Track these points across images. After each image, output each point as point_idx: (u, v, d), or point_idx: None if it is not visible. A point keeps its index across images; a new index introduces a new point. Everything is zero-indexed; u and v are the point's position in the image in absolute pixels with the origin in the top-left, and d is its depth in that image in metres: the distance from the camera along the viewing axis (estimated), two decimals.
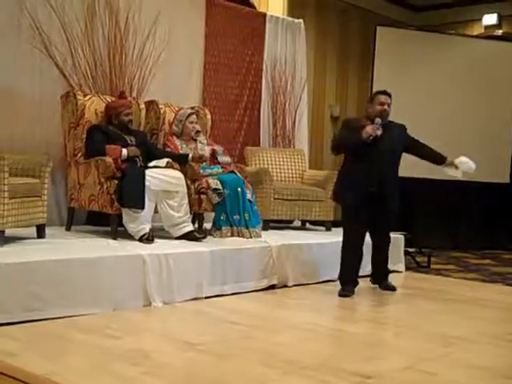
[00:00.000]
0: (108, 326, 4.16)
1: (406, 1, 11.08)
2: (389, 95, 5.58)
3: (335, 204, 6.78)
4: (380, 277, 5.86)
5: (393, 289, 5.84)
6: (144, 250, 4.96)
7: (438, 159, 5.81)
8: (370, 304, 5.38)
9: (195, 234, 5.58)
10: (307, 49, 8.69)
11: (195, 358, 3.61)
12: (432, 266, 7.63)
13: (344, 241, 5.64)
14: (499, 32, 10.65)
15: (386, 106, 5.52)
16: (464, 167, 5.70)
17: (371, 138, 5.33)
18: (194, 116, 6.45)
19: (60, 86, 6.08)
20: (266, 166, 7.32)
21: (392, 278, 6.05)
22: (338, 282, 5.69)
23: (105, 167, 5.42)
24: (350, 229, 5.56)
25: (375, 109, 5.53)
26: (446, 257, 8.70)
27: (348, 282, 5.62)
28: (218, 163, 6.31)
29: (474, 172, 5.75)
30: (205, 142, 6.48)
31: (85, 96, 5.97)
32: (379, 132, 5.38)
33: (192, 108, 6.62)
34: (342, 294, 5.55)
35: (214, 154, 6.32)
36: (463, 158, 5.73)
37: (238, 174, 6.17)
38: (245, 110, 7.96)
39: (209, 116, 6.82)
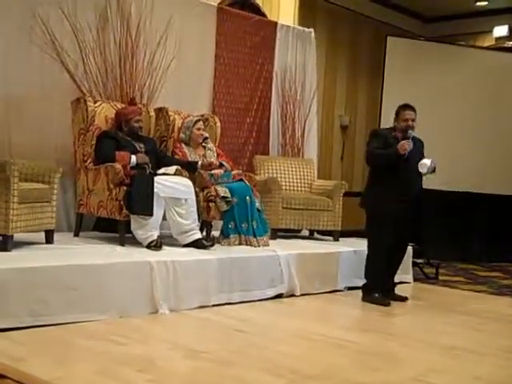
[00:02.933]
0: (114, 332, 4.16)
1: (416, 12, 11.09)
2: (413, 110, 5.67)
3: (344, 214, 6.85)
4: (386, 287, 5.83)
5: (403, 299, 5.84)
6: (152, 256, 4.97)
7: None
8: (377, 314, 5.36)
9: (203, 241, 5.58)
10: (317, 58, 8.69)
11: (201, 366, 3.61)
12: (440, 278, 7.61)
13: (374, 249, 5.66)
14: (510, 44, 10.63)
15: (409, 122, 5.64)
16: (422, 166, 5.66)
17: (407, 152, 5.48)
18: (201, 123, 6.45)
19: (71, 92, 6.09)
20: (274, 175, 7.31)
21: (400, 289, 6.03)
22: (344, 291, 5.67)
23: (114, 174, 5.43)
24: (381, 237, 5.57)
25: (400, 125, 5.62)
26: (454, 268, 8.67)
27: (383, 289, 5.69)
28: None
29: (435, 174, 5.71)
30: (213, 148, 6.49)
31: (95, 102, 5.99)
32: (411, 146, 5.52)
33: (202, 116, 6.64)
34: (383, 303, 5.59)
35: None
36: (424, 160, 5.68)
37: (247, 183, 6.17)
38: (254, 119, 7.96)
39: (218, 124, 6.83)
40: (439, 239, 9.17)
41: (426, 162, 5.56)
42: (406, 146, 5.50)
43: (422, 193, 5.76)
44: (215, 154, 6.44)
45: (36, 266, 4.26)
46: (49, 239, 5.23)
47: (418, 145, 5.72)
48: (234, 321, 4.77)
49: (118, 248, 5.31)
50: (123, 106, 6.09)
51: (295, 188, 7.54)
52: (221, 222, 6.03)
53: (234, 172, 6.30)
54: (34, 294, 4.16)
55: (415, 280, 7.18)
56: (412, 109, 5.69)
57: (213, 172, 6.08)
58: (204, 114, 6.89)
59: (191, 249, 5.48)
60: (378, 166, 5.66)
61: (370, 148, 5.66)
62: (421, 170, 5.57)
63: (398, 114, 5.73)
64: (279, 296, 5.71)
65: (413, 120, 5.65)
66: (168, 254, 5.18)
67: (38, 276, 4.21)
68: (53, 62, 5.97)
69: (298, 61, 8.33)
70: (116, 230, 5.59)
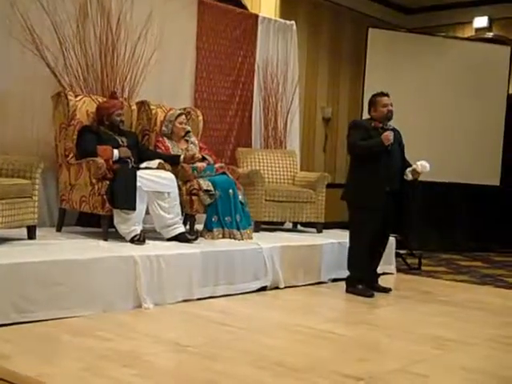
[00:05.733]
0: (99, 327, 4.14)
1: (397, 3, 11.10)
2: (389, 96, 5.69)
3: (327, 206, 6.88)
4: (370, 278, 5.84)
5: (387, 290, 5.86)
6: (135, 251, 4.95)
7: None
8: (361, 306, 5.38)
9: (187, 235, 5.57)
10: (299, 50, 8.69)
11: (186, 360, 3.61)
12: (423, 268, 7.66)
13: (357, 240, 5.66)
14: (490, 34, 10.69)
15: (390, 107, 5.64)
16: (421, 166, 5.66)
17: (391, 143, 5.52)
18: (183, 116, 6.43)
19: (51, 86, 6.05)
20: (257, 168, 7.31)
21: (383, 280, 6.06)
22: (328, 283, 5.69)
23: (96, 168, 5.40)
24: (364, 228, 5.57)
25: (381, 111, 5.63)
26: (437, 259, 8.73)
27: (367, 280, 5.70)
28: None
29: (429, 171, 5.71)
30: (196, 142, 6.47)
31: (76, 96, 5.95)
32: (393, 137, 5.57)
33: (184, 109, 6.62)
34: (367, 295, 5.61)
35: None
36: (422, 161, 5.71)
37: (230, 176, 6.16)
38: (236, 111, 7.95)
39: (201, 117, 6.81)
40: (422, 230, 9.23)
41: (426, 165, 5.60)
42: (390, 136, 5.52)
43: (406, 183, 5.75)
44: (197, 148, 6.42)
45: (19, 261, 4.23)
46: (31, 235, 5.19)
47: (397, 134, 5.73)
48: (219, 314, 4.77)
49: (102, 243, 5.29)
50: (104, 99, 6.06)
51: (278, 180, 7.54)
52: (204, 216, 6.01)
53: (216, 165, 6.28)
54: (17, 290, 4.14)
55: (398, 271, 7.22)
56: (388, 95, 5.71)
57: (196, 165, 6.06)
58: (186, 107, 6.86)
59: (175, 243, 5.48)
60: (360, 157, 5.66)
61: (353, 139, 5.66)
62: (421, 170, 5.60)
63: (374, 102, 5.73)
64: (263, 289, 5.72)
65: (391, 105, 5.67)
66: (151, 248, 5.17)
67: (22, 272, 4.19)
68: (33, 57, 5.92)
69: (279, 53, 8.32)
70: (99, 225, 5.56)
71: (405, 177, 5.67)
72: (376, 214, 5.53)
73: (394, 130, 5.65)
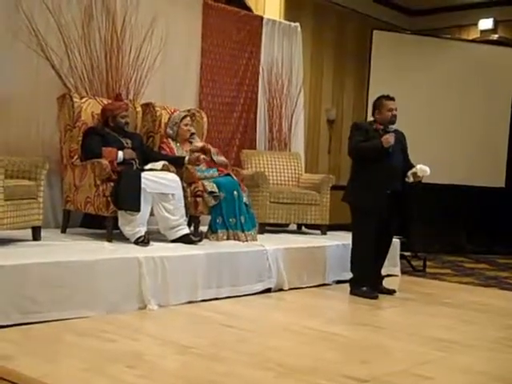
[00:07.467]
0: (103, 328, 4.15)
1: (402, 5, 11.09)
2: (394, 99, 5.68)
3: (331, 208, 6.86)
4: (374, 280, 5.84)
5: (391, 292, 5.85)
6: (140, 252, 4.95)
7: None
8: (365, 308, 5.38)
9: (191, 237, 5.57)
10: (304, 52, 8.69)
11: (190, 361, 3.61)
12: (427, 270, 7.64)
13: (360, 242, 5.65)
14: (495, 36, 10.68)
15: (394, 112, 5.64)
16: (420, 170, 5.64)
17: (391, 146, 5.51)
18: (189, 118, 6.44)
19: (56, 87, 6.07)
20: (262, 170, 7.30)
21: (387, 282, 6.05)
22: (332, 285, 5.67)
23: (101, 169, 5.41)
24: (366, 230, 5.56)
25: (385, 115, 5.62)
26: (442, 261, 8.71)
27: (371, 282, 5.68)
28: (214, 163, 6.25)
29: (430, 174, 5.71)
30: (200, 144, 6.47)
31: (81, 98, 5.96)
32: (394, 139, 5.55)
33: (188, 111, 6.62)
34: (371, 297, 5.59)
35: (205, 151, 6.25)
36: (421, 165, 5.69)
37: (234, 177, 6.17)
38: (241, 113, 7.96)
39: (205, 119, 6.82)
40: (426, 232, 9.21)
41: (426, 168, 5.58)
42: (390, 139, 5.51)
43: (406, 185, 5.73)
44: (199, 144, 6.42)
45: (23, 262, 4.24)
46: (36, 236, 5.20)
47: (399, 136, 5.72)
48: (223, 316, 4.76)
49: (106, 244, 5.30)
50: (109, 101, 6.07)
51: (283, 182, 7.54)
52: (208, 217, 6.02)
53: (218, 157, 6.27)
54: (21, 291, 4.14)
55: (403, 273, 7.21)
56: (393, 99, 5.71)
57: (197, 155, 6.05)
58: (190, 108, 6.87)
59: (179, 244, 5.47)
60: (361, 159, 5.66)
61: (353, 141, 5.66)
62: (421, 174, 5.59)
63: (380, 105, 5.72)
64: (268, 290, 5.71)
65: (396, 109, 5.67)
66: (156, 249, 5.17)
67: (26, 273, 4.19)
68: (38, 58, 5.94)
69: (284, 55, 8.33)
70: (103, 227, 5.57)
71: (406, 179, 5.65)
72: (378, 215, 5.52)
73: (395, 131, 5.65)
